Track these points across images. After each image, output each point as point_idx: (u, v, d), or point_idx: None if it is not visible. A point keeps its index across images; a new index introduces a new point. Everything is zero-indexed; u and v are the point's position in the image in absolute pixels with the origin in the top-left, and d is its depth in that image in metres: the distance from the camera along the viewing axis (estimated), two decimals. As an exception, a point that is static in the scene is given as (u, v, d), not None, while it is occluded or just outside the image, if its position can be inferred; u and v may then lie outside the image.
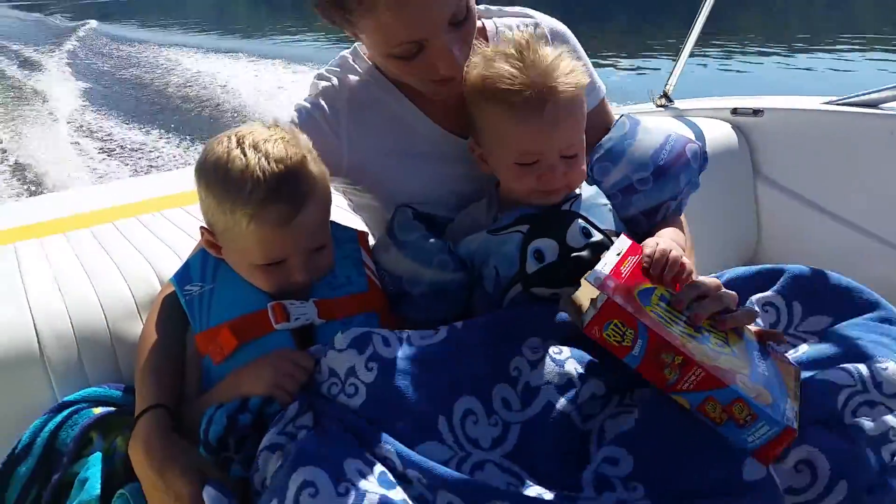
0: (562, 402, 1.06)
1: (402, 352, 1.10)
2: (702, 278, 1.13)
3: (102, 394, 1.33)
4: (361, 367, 1.07)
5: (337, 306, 1.26)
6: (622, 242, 1.16)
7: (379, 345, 1.09)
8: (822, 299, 1.20)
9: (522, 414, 1.07)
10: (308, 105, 1.39)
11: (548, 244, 1.24)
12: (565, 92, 1.22)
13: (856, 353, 1.07)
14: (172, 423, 1.16)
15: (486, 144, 1.31)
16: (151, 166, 7.83)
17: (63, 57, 16.56)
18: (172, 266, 1.42)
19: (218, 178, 1.15)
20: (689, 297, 1.08)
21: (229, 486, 1.05)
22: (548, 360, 1.10)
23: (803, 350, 1.13)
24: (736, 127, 2.36)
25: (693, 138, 1.43)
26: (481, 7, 1.46)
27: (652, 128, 1.42)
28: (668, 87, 2.57)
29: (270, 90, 11.12)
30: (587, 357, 1.12)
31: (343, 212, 1.57)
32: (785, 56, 11.85)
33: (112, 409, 1.30)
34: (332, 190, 1.29)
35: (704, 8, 2.42)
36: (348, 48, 1.48)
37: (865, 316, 1.15)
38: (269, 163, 1.13)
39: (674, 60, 2.58)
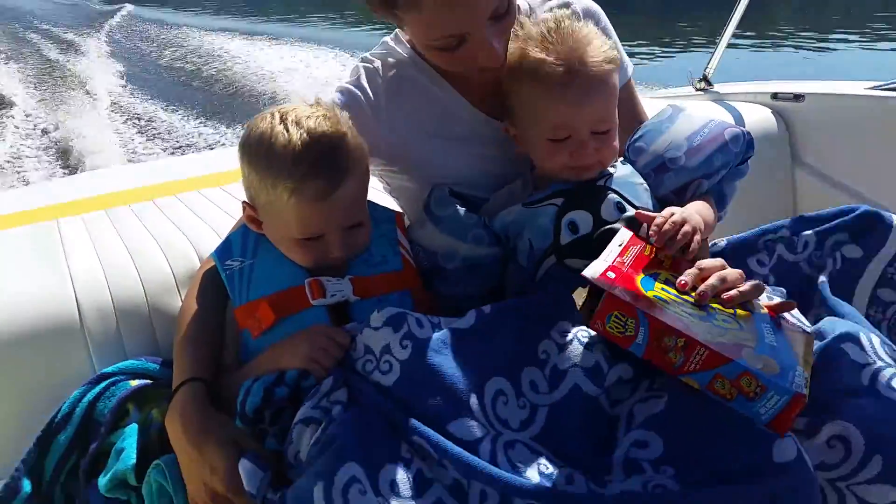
0: (589, 386, 1.06)
1: (436, 333, 1.11)
2: (707, 260, 1.12)
3: (140, 366, 1.35)
4: (396, 344, 1.08)
5: (372, 284, 1.28)
6: (623, 234, 1.17)
7: (413, 325, 1.10)
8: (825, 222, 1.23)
9: (549, 397, 1.08)
10: (350, 87, 1.41)
11: (582, 216, 1.26)
12: (595, 68, 1.25)
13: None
14: (209, 396, 1.18)
15: (519, 124, 1.33)
16: (189, 146, 7.92)
17: (102, 39, 16.79)
18: (211, 243, 1.45)
19: (261, 153, 1.18)
20: (692, 277, 1.08)
21: (265, 458, 1.06)
22: (575, 343, 1.10)
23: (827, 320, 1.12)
24: (776, 112, 2.32)
25: (739, 126, 1.41)
26: None
27: (695, 115, 1.41)
28: (707, 70, 2.53)
29: (306, 72, 11.20)
30: None
31: (380, 193, 1.58)
32: (823, 42, 11.62)
33: (149, 381, 1.32)
34: (370, 173, 1.31)
35: None
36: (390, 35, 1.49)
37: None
38: (310, 138, 1.16)
39: (715, 43, 2.54)
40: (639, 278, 1.07)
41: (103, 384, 1.31)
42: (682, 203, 1.32)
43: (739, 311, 1.06)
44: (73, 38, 16.66)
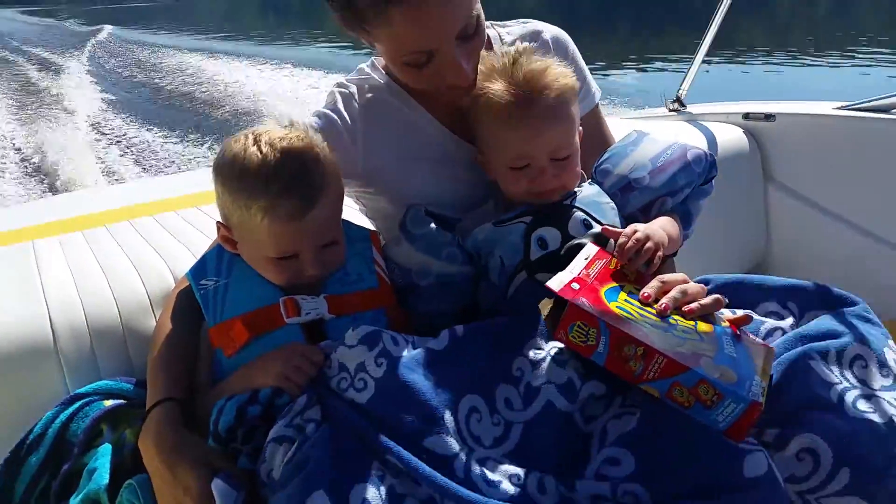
0: (562, 402, 1.07)
1: (410, 351, 1.12)
2: (670, 274, 1.16)
3: (114, 387, 1.34)
4: (371, 362, 1.09)
5: (347, 302, 1.28)
6: (590, 248, 1.21)
7: (388, 343, 1.11)
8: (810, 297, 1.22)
9: (524, 414, 1.09)
10: (326, 112, 1.43)
11: (550, 232, 1.29)
12: (550, 98, 1.29)
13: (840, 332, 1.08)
14: (183, 416, 1.18)
15: (484, 152, 1.38)
16: (169, 165, 7.90)
17: (82, 60, 16.73)
18: (186, 263, 1.44)
19: (234, 173, 1.19)
20: (654, 290, 1.11)
21: (237, 478, 1.06)
22: (549, 360, 1.12)
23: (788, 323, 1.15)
24: (748, 131, 2.36)
25: (702, 148, 1.44)
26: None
27: (658, 138, 1.45)
28: (680, 91, 2.57)
29: (283, 93, 11.23)
30: None
31: (356, 213, 1.59)
32: (795, 62, 11.81)
33: (123, 401, 1.31)
34: (346, 196, 1.33)
35: (718, 14, 2.42)
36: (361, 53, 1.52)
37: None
38: (283, 158, 1.17)
39: (687, 66, 2.58)
40: (603, 290, 1.09)
41: (77, 404, 1.29)
42: (647, 220, 1.35)
43: (701, 324, 1.09)
44: (53, 58, 16.60)
